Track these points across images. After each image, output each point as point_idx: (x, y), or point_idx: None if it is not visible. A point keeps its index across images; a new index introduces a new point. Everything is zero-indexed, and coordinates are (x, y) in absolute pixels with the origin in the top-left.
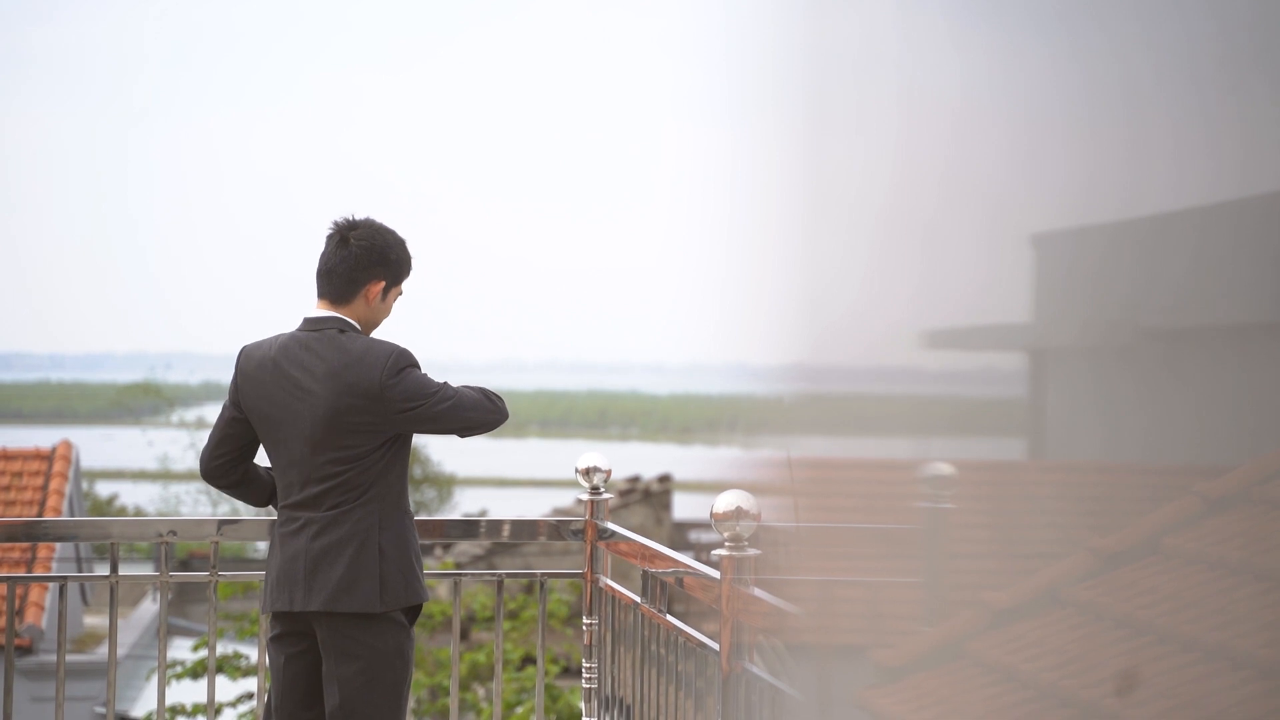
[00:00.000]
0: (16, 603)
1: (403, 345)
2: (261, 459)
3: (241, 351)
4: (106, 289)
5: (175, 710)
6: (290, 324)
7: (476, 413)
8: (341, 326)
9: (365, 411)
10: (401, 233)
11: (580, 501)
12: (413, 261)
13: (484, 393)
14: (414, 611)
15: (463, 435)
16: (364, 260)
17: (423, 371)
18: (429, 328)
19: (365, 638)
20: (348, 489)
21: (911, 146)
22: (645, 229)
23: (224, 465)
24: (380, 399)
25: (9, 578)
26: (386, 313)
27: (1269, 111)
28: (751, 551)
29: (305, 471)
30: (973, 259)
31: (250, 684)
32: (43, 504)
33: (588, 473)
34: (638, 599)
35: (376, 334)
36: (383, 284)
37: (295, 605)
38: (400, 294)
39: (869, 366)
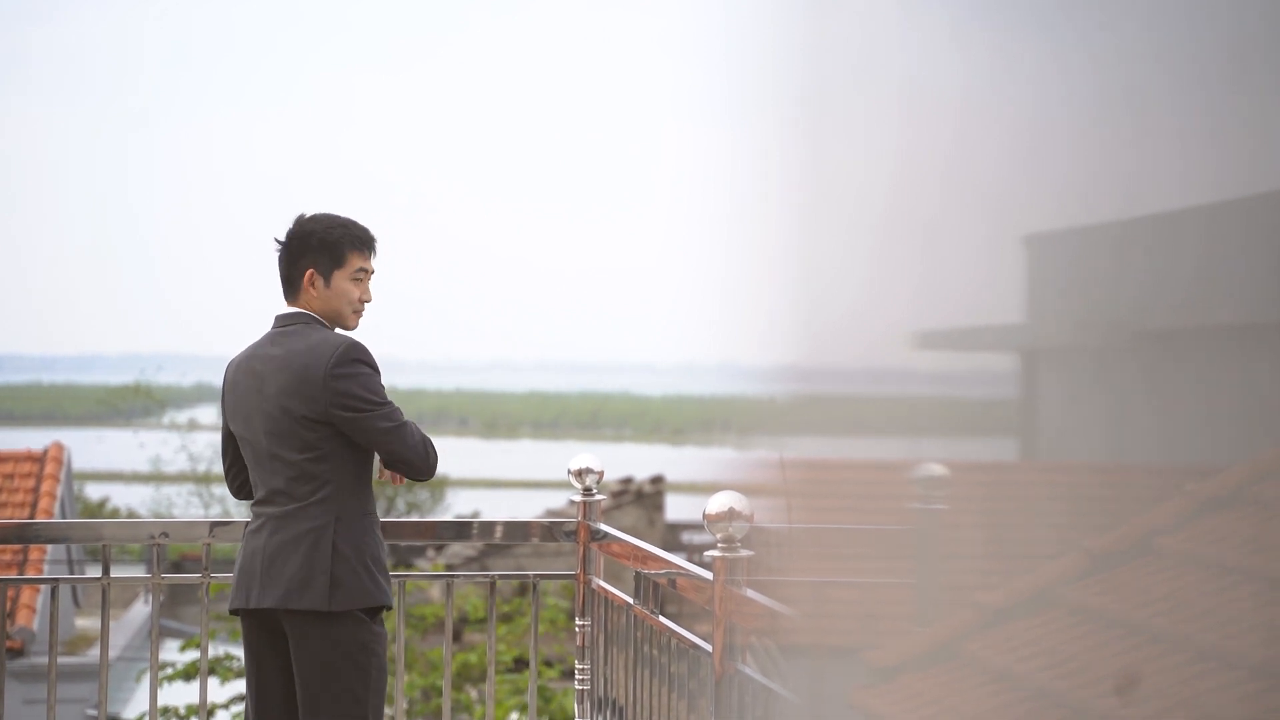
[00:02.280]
0: (8, 605)
1: (361, 341)
2: None
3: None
4: (99, 289)
5: (169, 712)
6: None
7: (411, 454)
8: (307, 320)
9: (310, 402)
10: (389, 227)
11: (573, 503)
12: (360, 240)
13: (427, 444)
14: (375, 611)
15: (385, 465)
16: (292, 254)
17: (378, 377)
18: (428, 328)
19: (325, 633)
20: (302, 483)
21: (907, 147)
22: (643, 229)
23: (244, 482)
24: (323, 388)
25: (0, 580)
26: (343, 297)
27: (1260, 113)
28: (744, 553)
29: (265, 468)
30: (966, 260)
31: (242, 685)
32: (34, 506)
33: (580, 474)
34: (630, 600)
35: (364, 324)
36: (313, 270)
37: (251, 602)
38: (358, 275)
39: (862, 367)
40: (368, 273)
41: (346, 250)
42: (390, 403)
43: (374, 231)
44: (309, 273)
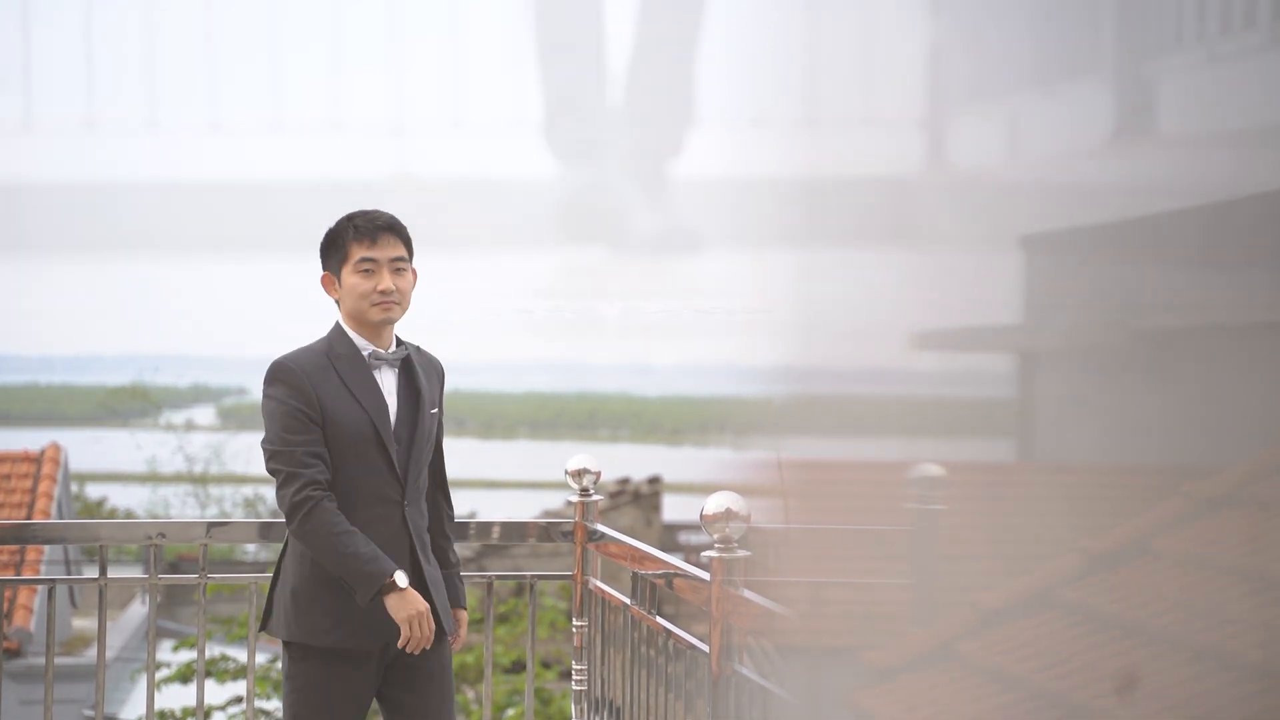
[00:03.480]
0: (5, 605)
1: (287, 361)
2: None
3: None
4: (97, 289)
5: (165, 716)
6: (280, 327)
7: (279, 503)
8: (332, 327)
9: None
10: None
11: (570, 503)
12: (360, 229)
13: (305, 504)
14: (297, 645)
15: None
16: (321, 264)
17: (290, 405)
18: (426, 328)
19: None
20: None
21: (904, 148)
22: None
23: None
24: None
25: None
26: (353, 293)
27: (1256, 113)
28: (741, 553)
29: None
30: (964, 260)
31: (239, 687)
32: (31, 506)
33: (577, 474)
34: (627, 601)
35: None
36: (326, 273)
37: None
38: (364, 266)
39: (859, 367)
40: (378, 262)
41: (346, 242)
42: (286, 440)
43: (395, 217)
44: (323, 277)
